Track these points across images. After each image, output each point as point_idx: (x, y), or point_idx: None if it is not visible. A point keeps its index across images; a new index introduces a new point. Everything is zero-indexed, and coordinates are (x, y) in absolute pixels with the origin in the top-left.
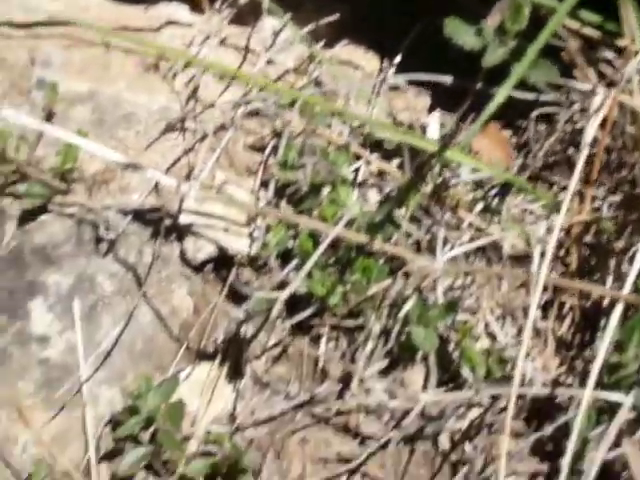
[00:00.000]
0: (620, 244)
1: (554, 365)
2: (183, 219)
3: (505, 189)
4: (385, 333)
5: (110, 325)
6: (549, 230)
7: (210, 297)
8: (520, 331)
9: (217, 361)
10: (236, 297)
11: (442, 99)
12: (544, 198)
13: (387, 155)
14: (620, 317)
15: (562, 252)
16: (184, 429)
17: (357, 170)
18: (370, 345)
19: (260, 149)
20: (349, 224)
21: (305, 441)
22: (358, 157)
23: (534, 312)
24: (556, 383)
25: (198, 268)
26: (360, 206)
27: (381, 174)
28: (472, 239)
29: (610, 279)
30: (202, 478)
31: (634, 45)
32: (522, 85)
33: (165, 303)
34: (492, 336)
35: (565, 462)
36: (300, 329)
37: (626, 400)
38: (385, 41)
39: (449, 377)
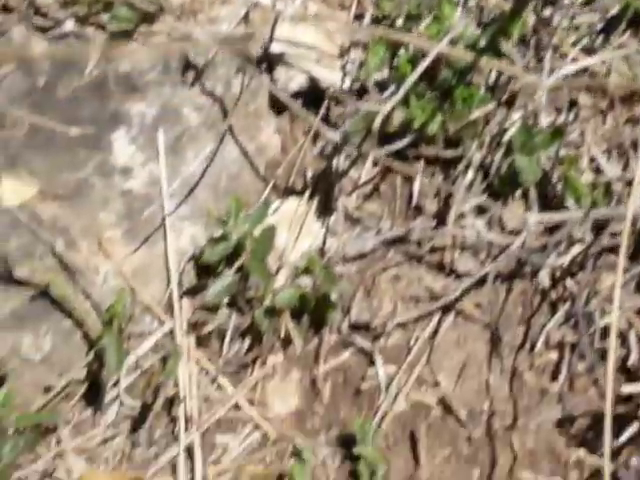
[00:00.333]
0: None
1: None
2: (275, 48)
3: (611, 27)
4: (484, 167)
5: (194, 159)
6: None
7: (298, 136)
8: (627, 165)
9: (306, 197)
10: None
11: None
12: None
13: None
14: None
15: None
16: (271, 265)
17: None
18: (469, 177)
19: None
20: (452, 44)
21: (397, 278)
22: None
23: None
24: None
25: (285, 108)
26: (465, 25)
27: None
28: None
29: None
30: (289, 313)
31: None
32: None
33: (252, 140)
34: (597, 171)
35: None
36: (393, 164)
37: None
38: None
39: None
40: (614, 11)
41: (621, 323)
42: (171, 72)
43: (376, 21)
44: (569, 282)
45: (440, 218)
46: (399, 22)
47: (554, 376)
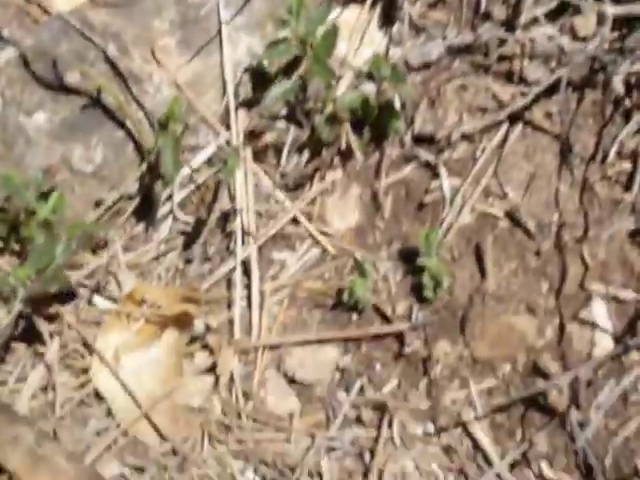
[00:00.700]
0: None
1: None
2: None
3: None
4: None
5: None
6: None
7: None
8: None
9: (368, 4)
10: None
11: None
12: None
13: None
14: None
15: None
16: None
17: None
18: None
19: None
20: None
21: (462, 88)
22: None
23: None
24: None
25: None
26: None
27: None
28: None
29: None
30: (349, 124)
31: None
32: None
33: None
34: None
35: None
36: None
37: None
38: None
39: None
40: None
41: None
42: None
43: None
44: None
45: (509, 25)
46: None
47: (627, 186)
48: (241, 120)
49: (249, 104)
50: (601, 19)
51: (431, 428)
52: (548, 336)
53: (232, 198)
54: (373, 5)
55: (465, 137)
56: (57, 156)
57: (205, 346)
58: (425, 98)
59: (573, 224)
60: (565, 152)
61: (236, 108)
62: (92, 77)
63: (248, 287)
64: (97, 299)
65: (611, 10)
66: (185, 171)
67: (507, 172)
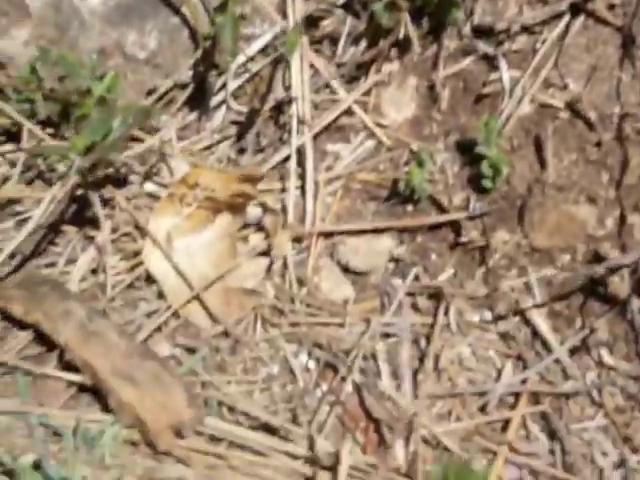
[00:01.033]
0: None
1: None
2: None
3: None
4: None
5: None
6: None
7: None
8: None
9: None
10: None
11: None
12: None
13: None
14: None
15: None
16: None
17: None
18: None
19: None
20: None
21: None
22: None
23: None
24: None
25: None
26: None
27: None
28: None
29: None
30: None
31: None
32: None
33: None
34: None
35: None
36: None
37: None
38: None
39: None
40: None
41: None
42: None
43: None
44: None
45: None
46: None
47: None
48: (298, 8)
49: None
50: None
51: (488, 316)
52: (608, 226)
53: (287, 88)
54: None
55: (525, 29)
56: (111, 41)
57: (260, 229)
58: None
59: (635, 115)
60: (628, 44)
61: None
62: None
63: (302, 177)
64: (149, 185)
65: None
66: (240, 59)
67: (568, 64)
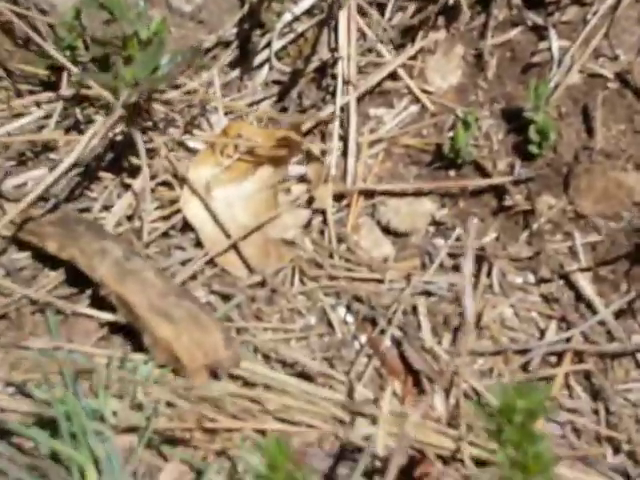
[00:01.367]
0: None
1: None
2: None
3: None
4: None
5: None
6: None
7: None
8: None
9: None
10: None
11: None
12: None
13: None
14: None
15: None
16: None
17: None
18: None
19: None
20: None
21: None
22: None
23: None
24: None
25: None
26: None
27: None
28: None
29: None
30: None
31: None
32: None
33: None
34: None
35: None
36: None
37: None
38: None
39: None
40: None
41: None
42: None
43: None
44: None
45: None
46: None
47: None
48: None
49: None
50: None
51: (531, 278)
52: None
53: (331, 50)
54: None
55: (576, 1)
56: None
57: (302, 181)
58: None
59: None
60: None
61: None
62: None
63: (344, 139)
64: (188, 139)
65: None
66: (286, 19)
67: (618, 35)
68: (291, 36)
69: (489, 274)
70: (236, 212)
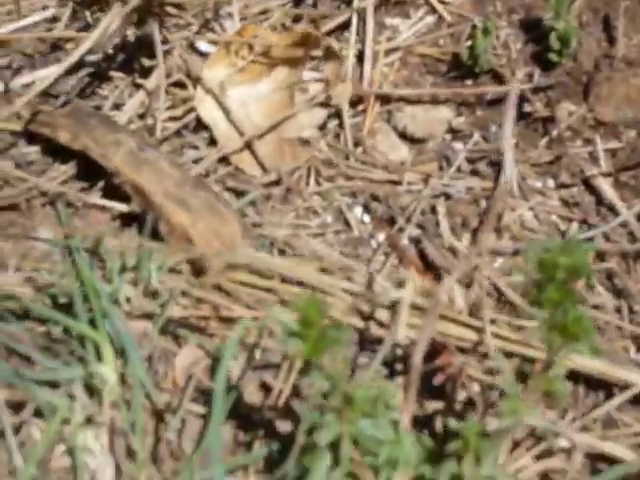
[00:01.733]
0: None
1: None
2: None
3: None
4: None
5: None
6: None
7: None
8: None
9: None
10: None
11: None
12: None
13: None
14: None
15: None
16: None
17: None
18: None
19: None
20: None
21: None
22: None
23: None
24: None
25: None
26: None
27: None
28: None
29: None
30: None
31: None
32: None
33: None
34: None
35: None
36: None
37: None
38: None
39: None
40: None
41: None
42: None
43: None
44: None
45: None
46: None
47: None
48: None
49: None
50: None
51: (551, 183)
52: None
53: None
54: None
55: None
56: None
57: (319, 80)
58: None
59: None
60: None
61: None
62: None
63: (360, 46)
64: (202, 40)
65: None
66: None
67: None
68: None
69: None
70: (251, 112)
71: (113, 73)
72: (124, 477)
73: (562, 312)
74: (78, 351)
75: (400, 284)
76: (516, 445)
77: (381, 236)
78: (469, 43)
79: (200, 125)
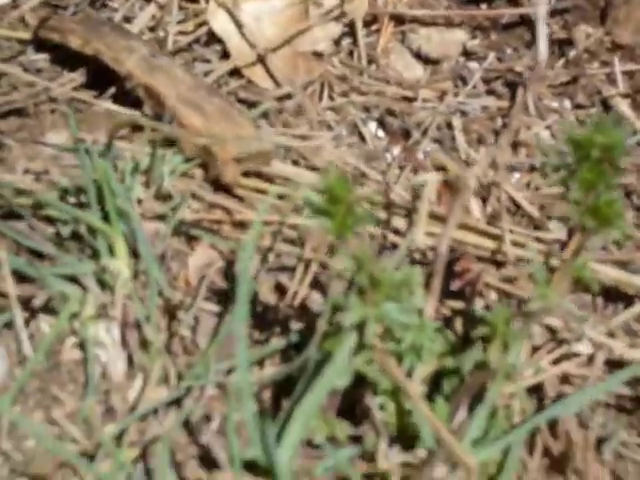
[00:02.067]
0: None
1: None
2: None
3: None
4: None
5: None
6: None
7: None
8: None
9: None
10: None
11: None
12: None
13: None
14: None
15: None
16: None
17: None
18: None
19: None
20: None
21: None
22: None
23: None
24: None
25: None
26: None
27: None
28: None
29: None
30: None
31: None
32: None
33: None
34: None
35: None
36: None
37: None
38: None
39: None
40: None
41: None
42: None
43: None
44: None
45: None
46: None
47: None
48: None
49: None
50: None
51: (568, 104)
52: None
53: None
54: None
55: None
56: None
57: None
58: None
59: None
60: None
61: None
62: None
63: None
64: None
65: None
66: None
67: None
68: None
69: (524, 97)
70: (264, 26)
71: None
72: (136, 369)
73: (595, 195)
74: (90, 247)
75: (416, 194)
76: (536, 349)
77: (396, 150)
78: None
79: (212, 39)
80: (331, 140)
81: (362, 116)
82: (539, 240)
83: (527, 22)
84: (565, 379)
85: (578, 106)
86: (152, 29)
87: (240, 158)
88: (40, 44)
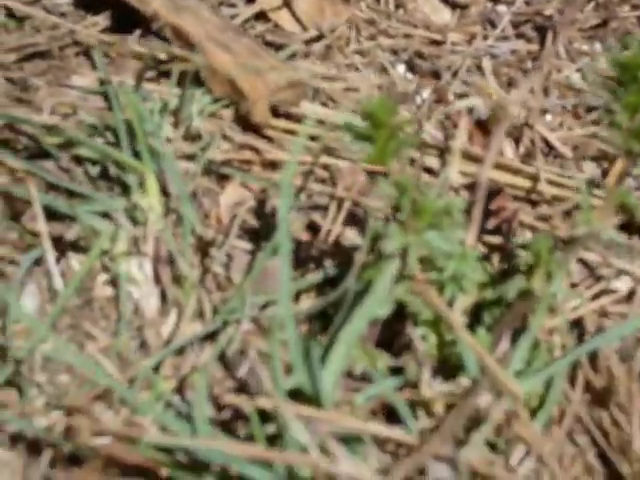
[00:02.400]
0: None
1: None
2: None
3: None
4: None
5: None
6: None
7: None
8: None
9: None
10: None
11: None
12: None
13: None
14: None
15: None
16: None
17: None
18: None
19: None
20: None
21: None
22: None
23: None
24: None
25: None
26: None
27: None
28: None
29: None
30: None
31: None
32: None
33: None
34: None
35: None
36: None
37: None
38: None
39: None
40: None
41: None
42: None
43: None
44: None
45: None
46: None
47: None
48: None
49: None
50: None
51: (599, 48)
52: None
53: None
54: None
55: None
56: None
57: None
58: None
59: None
60: None
61: None
62: None
63: None
64: None
65: None
66: None
67: None
68: None
69: (554, 41)
70: None
71: None
72: (170, 304)
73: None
74: (120, 185)
75: (448, 134)
76: (574, 286)
77: (426, 92)
78: None
79: None
80: (359, 81)
81: (390, 59)
82: (572, 179)
83: None
84: (604, 314)
85: (609, 49)
86: None
87: (275, 89)
88: None
